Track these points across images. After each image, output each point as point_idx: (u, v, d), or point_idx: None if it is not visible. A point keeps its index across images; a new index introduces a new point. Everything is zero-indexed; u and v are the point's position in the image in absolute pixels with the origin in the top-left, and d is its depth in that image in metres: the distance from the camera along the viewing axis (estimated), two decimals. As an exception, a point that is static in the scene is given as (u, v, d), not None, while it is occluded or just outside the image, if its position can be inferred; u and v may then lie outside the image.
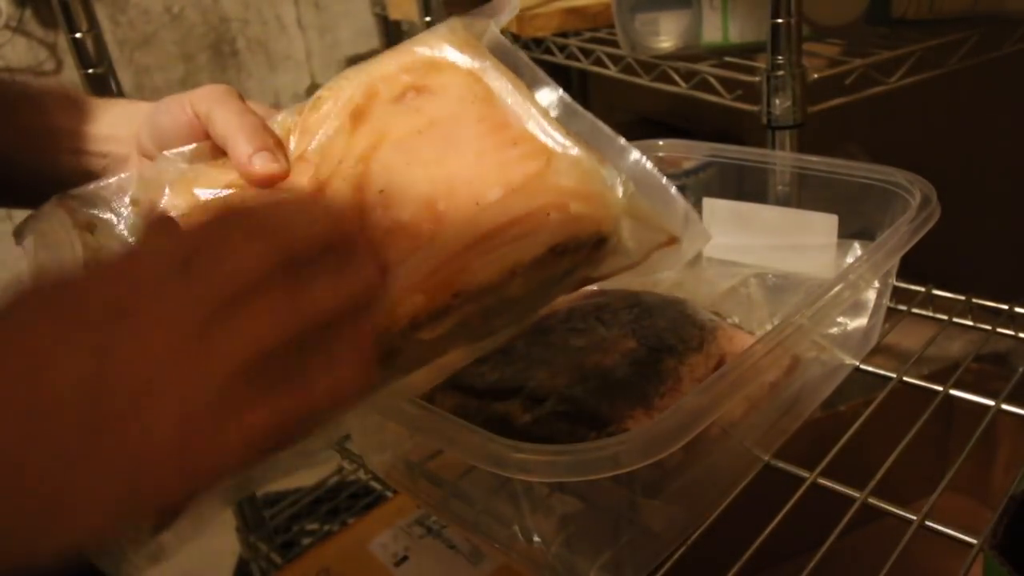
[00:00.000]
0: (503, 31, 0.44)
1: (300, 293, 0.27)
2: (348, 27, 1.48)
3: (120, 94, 0.83)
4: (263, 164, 0.39)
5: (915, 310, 0.62)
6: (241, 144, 0.39)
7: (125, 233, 0.41)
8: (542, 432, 0.42)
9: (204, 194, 0.40)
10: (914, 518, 0.43)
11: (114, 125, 0.47)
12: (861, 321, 0.56)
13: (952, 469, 0.46)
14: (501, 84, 0.40)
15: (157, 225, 0.29)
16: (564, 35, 0.98)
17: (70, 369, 0.23)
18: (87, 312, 0.24)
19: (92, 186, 0.43)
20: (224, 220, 0.28)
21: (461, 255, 0.35)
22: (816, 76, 0.68)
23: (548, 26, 0.98)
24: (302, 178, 0.39)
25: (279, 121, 0.43)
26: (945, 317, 0.61)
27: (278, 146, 0.40)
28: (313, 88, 1.47)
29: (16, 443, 0.22)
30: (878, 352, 0.58)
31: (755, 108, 0.69)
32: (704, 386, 0.37)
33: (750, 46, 0.78)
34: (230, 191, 0.39)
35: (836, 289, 0.45)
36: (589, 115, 0.41)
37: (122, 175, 0.43)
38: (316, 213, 0.30)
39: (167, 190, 0.41)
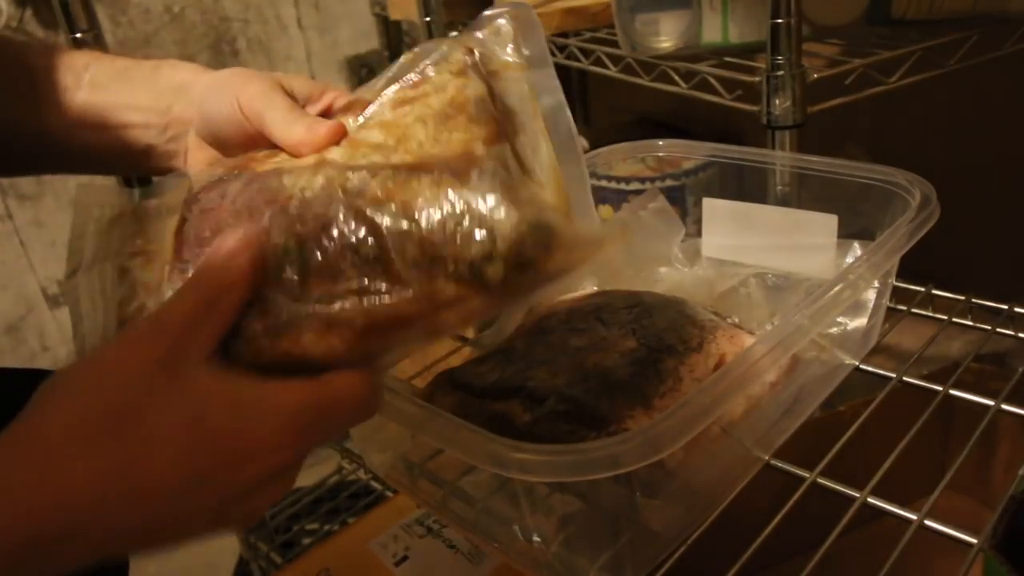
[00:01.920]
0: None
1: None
2: (348, 27, 1.48)
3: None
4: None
5: (915, 310, 0.62)
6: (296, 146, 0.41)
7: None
8: (542, 432, 0.42)
9: None
10: (914, 518, 0.43)
11: (166, 97, 0.48)
12: (861, 321, 0.56)
13: (952, 469, 0.46)
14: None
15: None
16: (564, 35, 0.98)
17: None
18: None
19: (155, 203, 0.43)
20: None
21: None
22: (816, 76, 0.68)
23: (548, 26, 0.98)
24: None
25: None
26: (945, 317, 0.61)
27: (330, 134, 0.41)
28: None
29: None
30: (878, 352, 0.58)
31: (755, 108, 0.69)
32: (704, 386, 0.37)
33: (750, 46, 0.78)
34: None
35: (836, 289, 0.45)
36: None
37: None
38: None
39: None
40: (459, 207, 0.33)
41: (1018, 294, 0.60)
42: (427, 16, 1.04)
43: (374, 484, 1.20)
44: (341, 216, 0.35)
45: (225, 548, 1.27)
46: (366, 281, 0.34)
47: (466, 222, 0.33)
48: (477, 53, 0.41)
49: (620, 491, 0.41)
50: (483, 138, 0.36)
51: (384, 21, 1.48)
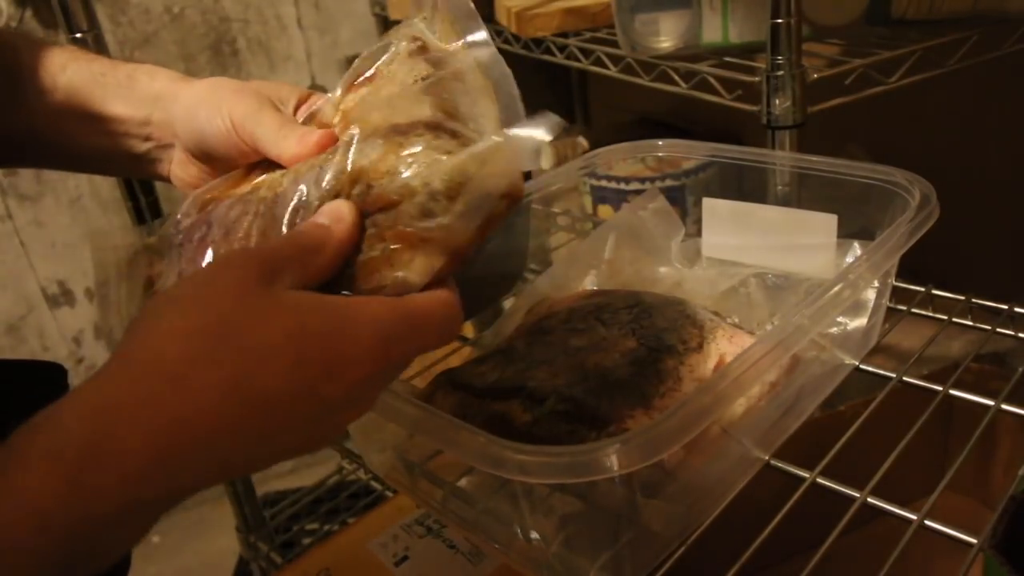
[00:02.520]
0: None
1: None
2: (348, 27, 1.48)
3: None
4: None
5: (915, 310, 0.62)
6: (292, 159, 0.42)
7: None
8: (542, 432, 0.42)
9: None
10: (914, 518, 0.43)
11: (143, 107, 0.49)
12: (861, 321, 0.56)
13: (952, 469, 0.46)
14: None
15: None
16: (564, 35, 0.98)
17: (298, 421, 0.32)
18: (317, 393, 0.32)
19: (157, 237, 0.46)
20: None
21: None
22: (816, 76, 0.68)
23: (548, 26, 0.98)
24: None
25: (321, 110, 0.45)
26: (945, 317, 0.61)
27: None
28: (313, 88, 1.47)
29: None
30: (878, 352, 0.58)
31: (755, 108, 0.69)
32: (704, 386, 0.37)
33: (750, 46, 0.78)
34: None
35: (836, 289, 0.45)
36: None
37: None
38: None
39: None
40: (402, 160, 0.36)
41: (1018, 294, 0.60)
42: (427, 16, 1.04)
43: (374, 484, 1.20)
44: (309, 190, 0.38)
45: (225, 548, 1.28)
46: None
47: (411, 170, 0.36)
48: (420, 40, 0.43)
49: (620, 491, 0.41)
50: (428, 103, 0.38)
51: (384, 21, 1.48)
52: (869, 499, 0.45)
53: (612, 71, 0.88)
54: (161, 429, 0.28)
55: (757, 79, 0.68)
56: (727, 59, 0.78)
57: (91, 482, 0.27)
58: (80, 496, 0.26)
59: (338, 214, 0.36)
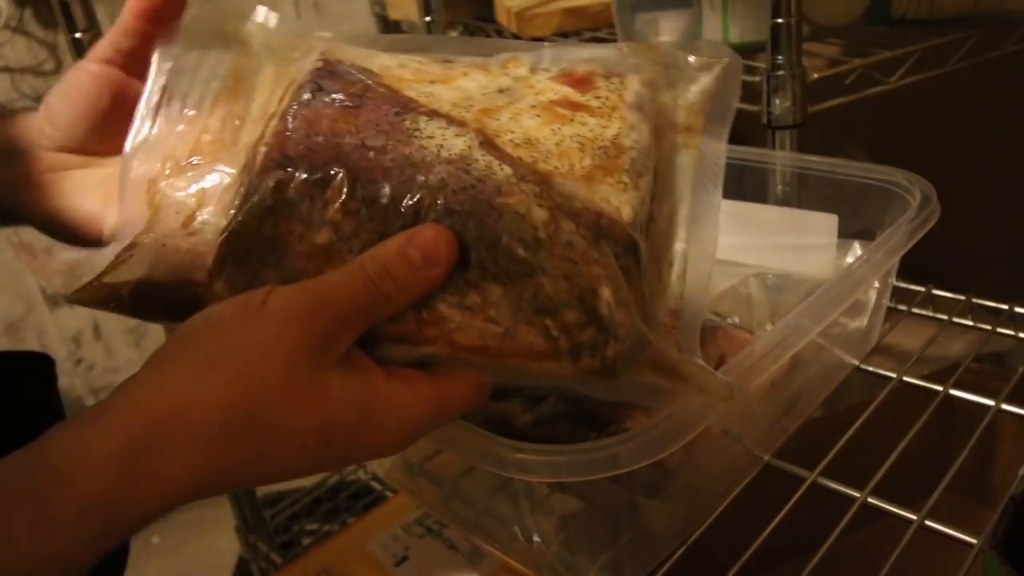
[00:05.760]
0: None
1: None
2: (348, 27, 1.48)
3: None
4: None
5: (915, 310, 0.62)
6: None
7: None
8: (542, 432, 0.42)
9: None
10: (914, 518, 0.43)
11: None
12: (861, 321, 0.56)
13: (952, 469, 0.46)
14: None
15: None
16: (564, 35, 0.98)
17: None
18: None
19: None
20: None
21: None
22: (816, 76, 0.68)
23: (548, 26, 0.98)
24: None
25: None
26: (945, 317, 0.61)
27: None
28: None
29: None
30: (878, 352, 0.58)
31: (755, 108, 0.69)
32: (704, 386, 0.37)
33: (750, 46, 0.78)
34: None
35: (836, 289, 0.45)
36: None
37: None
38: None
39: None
40: (590, 280, 0.32)
41: (1018, 294, 0.60)
42: (427, 16, 1.04)
43: (374, 484, 1.20)
44: (471, 215, 0.32)
45: (225, 548, 1.28)
46: (466, 296, 0.33)
47: (589, 300, 0.32)
48: (651, 90, 0.38)
49: (620, 491, 0.41)
50: (633, 204, 0.34)
51: (384, 21, 1.48)
52: (869, 499, 0.45)
53: (612, 71, 0.88)
54: (179, 490, 0.29)
55: (757, 79, 0.68)
56: (727, 59, 0.78)
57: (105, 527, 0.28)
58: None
59: (435, 257, 0.32)
